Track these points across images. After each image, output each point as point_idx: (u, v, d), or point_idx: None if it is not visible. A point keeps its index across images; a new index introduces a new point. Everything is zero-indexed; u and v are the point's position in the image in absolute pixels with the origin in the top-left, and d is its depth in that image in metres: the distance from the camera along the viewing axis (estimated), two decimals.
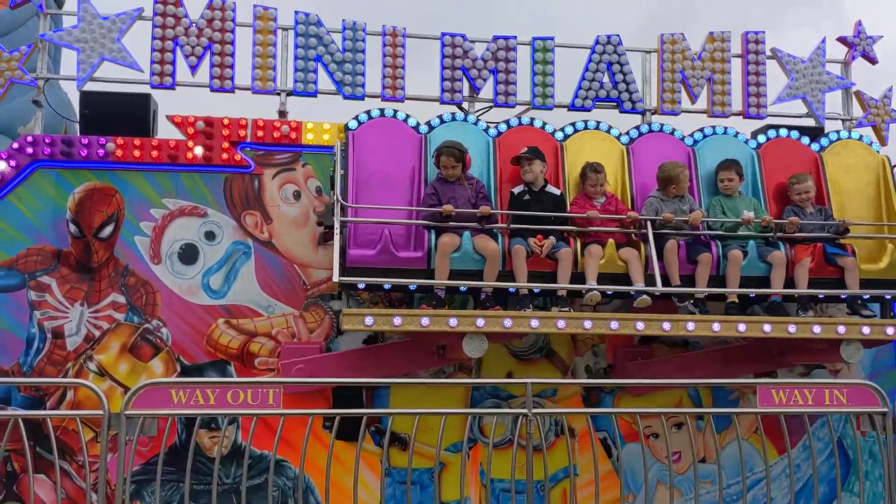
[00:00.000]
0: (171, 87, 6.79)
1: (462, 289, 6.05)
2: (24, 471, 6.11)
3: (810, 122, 7.55)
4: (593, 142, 6.59)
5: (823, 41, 7.65)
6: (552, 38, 7.26)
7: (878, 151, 6.91)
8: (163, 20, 6.73)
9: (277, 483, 6.38)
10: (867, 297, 6.36)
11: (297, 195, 6.74)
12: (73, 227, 6.47)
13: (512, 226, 6.01)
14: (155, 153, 6.56)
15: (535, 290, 6.00)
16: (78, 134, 6.75)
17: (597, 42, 7.26)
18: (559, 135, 6.58)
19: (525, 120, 6.64)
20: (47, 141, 6.47)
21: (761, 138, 6.87)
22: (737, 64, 7.49)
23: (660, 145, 6.63)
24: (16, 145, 6.47)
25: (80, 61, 6.67)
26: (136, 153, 6.53)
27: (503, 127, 6.55)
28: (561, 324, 5.80)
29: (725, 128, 6.85)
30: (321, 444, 6.05)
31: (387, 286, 5.97)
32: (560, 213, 6.11)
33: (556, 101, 7.26)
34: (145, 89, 6.80)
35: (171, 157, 6.59)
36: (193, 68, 6.79)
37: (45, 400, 6.33)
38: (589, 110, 7.24)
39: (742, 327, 5.98)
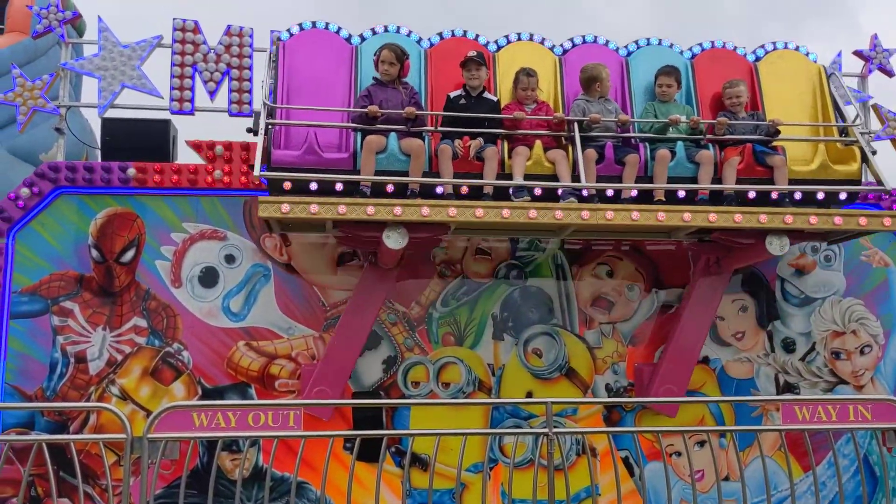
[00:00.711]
0: (191, 112, 6.87)
1: (389, 189, 5.94)
2: (47, 495, 6.15)
3: None
4: (526, 52, 6.59)
5: (839, 55, 7.62)
6: None
7: (814, 61, 6.86)
8: (182, 47, 6.83)
9: None
10: (798, 197, 6.26)
11: None
12: (94, 253, 6.54)
13: (441, 128, 6.03)
14: (175, 178, 6.63)
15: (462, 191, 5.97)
16: (99, 160, 6.84)
17: None
18: (492, 46, 6.61)
19: (458, 31, 6.63)
20: (69, 167, 6.55)
21: (696, 49, 6.85)
22: None
23: (593, 56, 6.59)
24: (38, 172, 6.56)
25: (101, 89, 6.77)
26: (157, 178, 6.61)
27: (436, 39, 6.59)
28: (479, 212, 5.70)
29: (660, 39, 6.84)
30: (341, 466, 6.08)
31: (313, 186, 5.86)
32: (491, 120, 6.10)
33: None
34: (165, 115, 6.89)
35: (191, 182, 6.66)
36: (212, 94, 6.88)
37: (68, 424, 6.37)
38: None
39: (662, 216, 5.86)
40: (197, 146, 6.74)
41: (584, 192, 5.95)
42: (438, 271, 6.81)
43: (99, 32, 6.81)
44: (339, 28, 6.50)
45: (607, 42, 6.77)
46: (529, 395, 6.74)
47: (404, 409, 6.56)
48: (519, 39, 6.67)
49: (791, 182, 6.27)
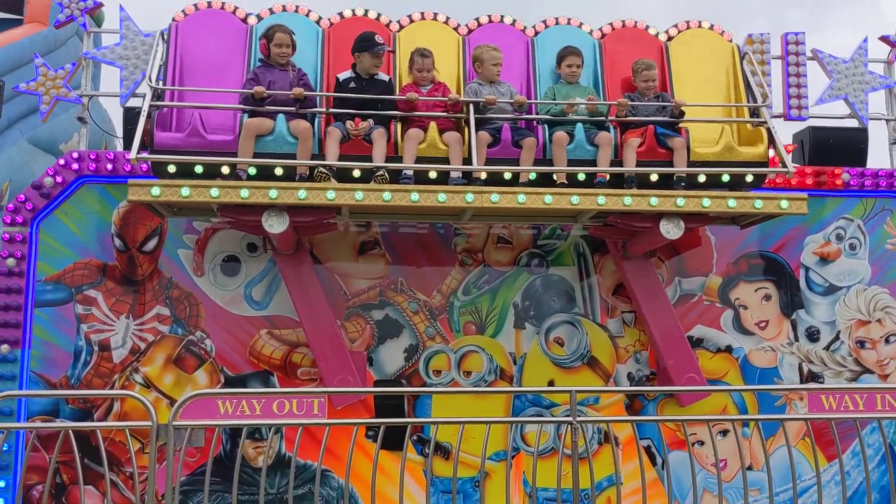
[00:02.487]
0: None
1: (277, 172, 5.81)
2: (73, 482, 6.21)
3: (853, 123, 7.44)
4: (429, 31, 6.50)
5: (865, 41, 7.53)
6: None
7: (730, 41, 6.70)
8: None
9: (322, 493, 6.39)
10: (702, 180, 6.11)
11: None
12: (117, 241, 6.56)
13: (332, 110, 5.91)
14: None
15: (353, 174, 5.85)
16: (120, 149, 6.85)
17: None
18: (395, 26, 6.53)
19: (359, 12, 6.53)
20: (92, 157, 6.58)
21: (605, 28, 6.69)
22: (777, 66, 7.39)
23: (498, 36, 6.47)
24: (62, 161, 6.58)
25: (123, 78, 6.78)
26: None
27: (336, 18, 6.50)
28: (359, 195, 5.59)
29: (569, 19, 6.69)
30: (363, 454, 6.09)
31: (198, 169, 5.76)
32: (385, 100, 5.98)
33: None
34: None
35: None
36: None
37: (92, 412, 6.42)
38: None
39: (549, 199, 5.75)
40: None
41: (475, 176, 5.83)
42: (460, 259, 6.79)
43: (121, 22, 6.81)
44: (236, 8, 6.41)
45: (514, 21, 6.63)
46: (551, 383, 6.72)
47: (426, 397, 6.56)
48: (423, 18, 6.57)
49: (694, 165, 6.10)
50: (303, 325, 6.36)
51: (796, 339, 6.97)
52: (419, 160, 5.86)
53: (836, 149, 7.31)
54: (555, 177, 6.01)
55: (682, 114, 6.20)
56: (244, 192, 5.50)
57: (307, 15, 6.48)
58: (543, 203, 5.75)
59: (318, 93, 6.06)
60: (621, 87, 6.48)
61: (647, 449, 6.62)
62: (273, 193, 5.50)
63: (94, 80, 10.26)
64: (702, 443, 6.63)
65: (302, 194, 5.53)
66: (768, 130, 6.23)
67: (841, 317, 7.03)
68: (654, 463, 6.67)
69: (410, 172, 5.82)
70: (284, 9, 6.51)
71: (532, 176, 5.98)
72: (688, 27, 6.73)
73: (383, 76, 6.11)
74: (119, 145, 7.08)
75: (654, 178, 6.07)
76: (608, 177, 6.01)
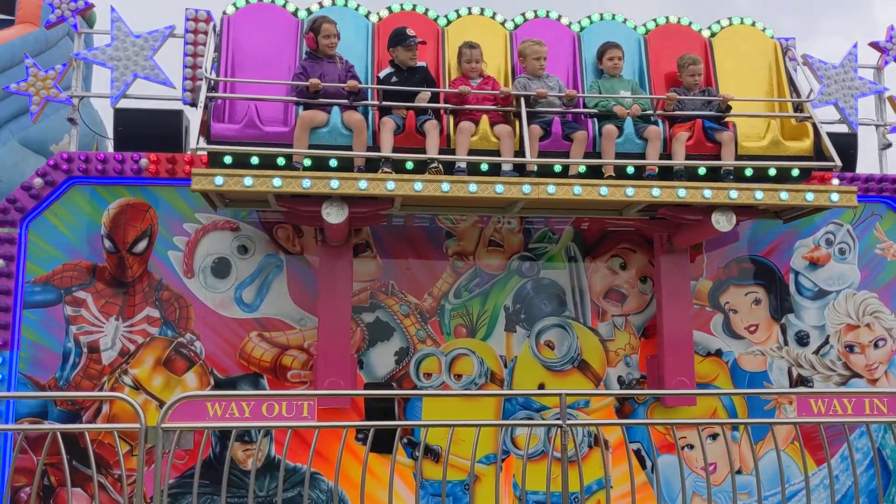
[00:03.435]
0: None
1: (332, 163, 5.90)
2: (61, 485, 6.18)
3: (843, 128, 7.47)
4: (476, 27, 6.58)
5: (855, 46, 7.57)
6: None
7: (771, 37, 6.83)
8: (194, 37, 6.81)
9: (311, 496, 6.37)
10: (749, 173, 6.24)
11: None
12: (107, 243, 6.54)
13: (383, 103, 5.98)
14: (188, 168, 6.61)
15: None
16: (111, 150, 6.83)
17: None
18: (442, 21, 6.60)
19: (408, 7, 6.60)
20: (82, 158, 6.55)
21: (650, 24, 6.82)
22: None
23: (544, 31, 6.57)
24: (51, 162, 6.55)
25: (114, 79, 6.75)
26: (169, 168, 6.59)
27: (384, 13, 6.57)
28: (418, 186, 5.65)
29: (613, 14, 6.81)
30: (353, 457, 6.08)
31: (254, 160, 5.83)
32: (429, 84, 6.10)
33: None
34: (178, 105, 6.89)
35: None
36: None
37: (81, 414, 6.38)
38: None
39: (605, 191, 5.84)
40: None
41: (528, 168, 5.93)
42: (451, 263, 6.79)
43: (111, 22, 6.79)
44: (286, 2, 6.47)
45: (559, 17, 6.74)
46: (542, 387, 6.72)
47: (416, 400, 6.56)
48: (469, 13, 6.65)
49: (741, 159, 6.23)
50: (319, 317, 6.32)
51: (786, 343, 6.99)
52: (471, 152, 5.95)
53: None
54: (603, 169, 6.08)
55: (728, 108, 6.33)
56: (306, 182, 5.56)
57: (356, 9, 6.55)
58: (599, 195, 5.84)
59: (371, 85, 6.13)
60: (666, 81, 6.62)
61: (637, 452, 6.63)
62: (335, 184, 5.56)
63: (86, 81, 10.25)
64: (691, 446, 6.64)
65: (363, 185, 5.60)
66: (813, 125, 6.36)
67: (830, 321, 7.06)
68: (643, 466, 6.68)
69: (464, 165, 5.92)
70: (334, 2, 6.56)
71: (581, 169, 6.05)
72: (730, 23, 6.87)
73: (420, 63, 6.18)
74: (110, 146, 7.05)
75: (702, 171, 6.18)
76: (657, 170, 6.13)
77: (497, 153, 6.02)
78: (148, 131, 6.72)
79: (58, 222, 6.51)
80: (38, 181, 6.48)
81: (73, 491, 6.06)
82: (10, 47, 11.82)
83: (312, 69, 5.98)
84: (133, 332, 6.49)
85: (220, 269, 6.61)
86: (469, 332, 6.75)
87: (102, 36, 7.02)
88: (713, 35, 6.81)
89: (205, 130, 5.82)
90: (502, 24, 6.67)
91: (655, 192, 5.89)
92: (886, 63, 7.63)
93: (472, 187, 5.72)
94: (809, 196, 5.98)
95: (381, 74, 6.16)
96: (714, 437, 6.60)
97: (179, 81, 6.81)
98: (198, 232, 6.62)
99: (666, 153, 6.24)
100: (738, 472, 6.65)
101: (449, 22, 6.63)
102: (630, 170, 6.13)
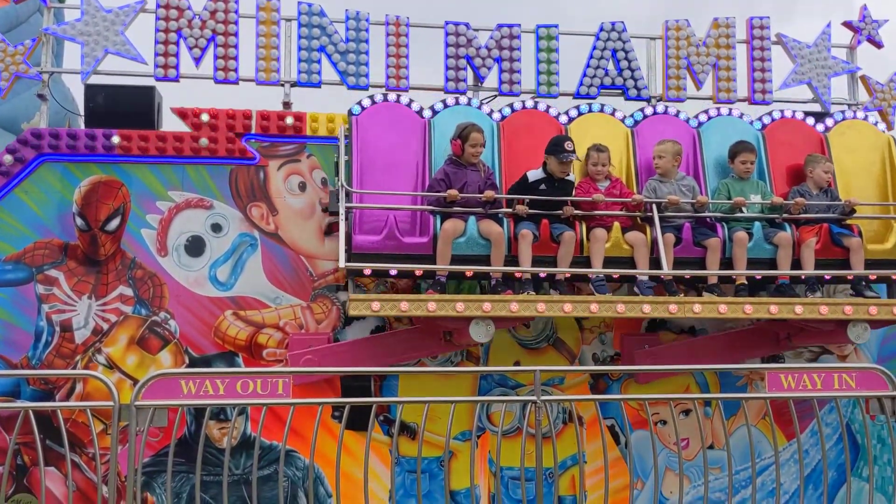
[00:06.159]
0: (176, 79, 6.79)
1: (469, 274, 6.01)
2: (34, 464, 6.14)
3: (816, 108, 7.52)
4: (597, 125, 6.60)
5: (829, 26, 7.61)
6: (556, 26, 7.23)
7: (883, 131, 6.90)
8: (166, 12, 6.72)
9: (287, 473, 6.38)
10: (873, 278, 6.35)
11: (303, 186, 6.73)
12: (79, 221, 6.47)
13: (520, 211, 6.00)
14: (160, 145, 6.55)
15: (541, 275, 6.00)
16: (82, 128, 6.75)
17: (601, 29, 7.24)
18: (563, 118, 6.59)
19: (529, 104, 6.63)
20: (52, 134, 6.46)
21: (766, 119, 6.87)
22: (742, 50, 7.46)
23: (665, 128, 6.63)
24: (21, 139, 6.46)
25: (84, 54, 6.66)
26: (142, 146, 6.53)
27: (507, 111, 6.56)
28: (567, 307, 5.79)
29: (731, 109, 6.87)
30: (330, 434, 6.08)
31: (392, 272, 5.97)
32: (571, 199, 6.11)
33: (561, 90, 7.23)
34: (149, 82, 6.80)
35: (177, 150, 6.58)
36: (197, 60, 6.79)
37: (54, 393, 6.34)
38: (594, 97, 7.23)
39: (749, 308, 5.97)
40: (182, 113, 6.66)
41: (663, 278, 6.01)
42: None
43: None
44: (411, 101, 6.46)
45: (678, 113, 6.75)
46: (517, 364, 6.75)
47: (392, 378, 6.57)
48: (590, 111, 6.66)
49: (867, 263, 6.28)
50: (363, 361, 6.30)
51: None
52: (605, 260, 6.02)
53: None
54: (735, 278, 6.18)
55: (853, 211, 6.34)
56: (459, 306, 5.65)
57: (479, 108, 6.52)
58: (743, 313, 5.94)
59: (507, 195, 6.11)
60: (787, 177, 6.63)
61: (611, 428, 6.69)
62: (487, 307, 5.67)
63: (57, 58, 10.09)
64: (664, 422, 6.72)
65: (514, 307, 5.72)
66: None
67: None
68: (617, 442, 6.75)
69: (602, 279, 5.98)
70: (458, 101, 6.53)
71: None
72: (843, 118, 6.91)
73: (571, 177, 6.17)
74: (81, 123, 6.96)
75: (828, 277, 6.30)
76: (788, 277, 6.20)
77: (628, 259, 6.04)
78: (120, 108, 6.64)
79: (28, 200, 6.43)
80: (7, 158, 6.40)
81: (47, 470, 6.04)
82: None
83: (455, 176, 5.97)
84: (106, 310, 6.45)
85: (194, 247, 6.57)
86: None
87: (73, 11, 6.90)
88: (827, 130, 6.82)
89: (348, 242, 5.83)
90: (622, 120, 6.65)
91: (798, 309, 5.99)
92: (859, 43, 7.66)
93: (620, 307, 5.83)
94: None
95: (531, 176, 6.09)
96: (687, 412, 6.67)
97: (151, 57, 6.73)
98: (171, 210, 6.57)
99: (794, 257, 6.23)
100: (710, 447, 6.74)
101: (570, 119, 6.60)
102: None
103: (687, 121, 6.76)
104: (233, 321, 6.54)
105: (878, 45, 7.68)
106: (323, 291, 6.64)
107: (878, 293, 6.40)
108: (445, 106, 6.50)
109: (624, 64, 7.24)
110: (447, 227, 5.87)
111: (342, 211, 5.83)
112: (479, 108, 6.57)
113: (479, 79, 7.13)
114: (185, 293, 6.52)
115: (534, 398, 4.95)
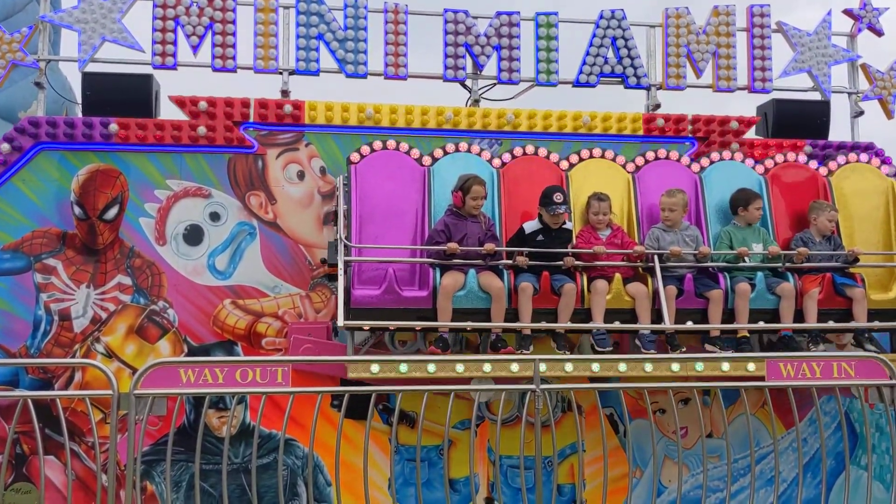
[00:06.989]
0: (173, 67, 6.76)
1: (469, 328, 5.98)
2: (33, 453, 6.15)
3: (816, 96, 7.51)
4: (598, 171, 6.55)
5: (829, 14, 7.58)
6: (556, 13, 7.20)
7: (886, 175, 6.83)
8: (163, 0, 6.69)
9: (286, 462, 6.39)
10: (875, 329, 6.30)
11: (301, 175, 6.71)
12: (77, 209, 6.45)
13: (518, 264, 5.92)
14: (158, 134, 6.53)
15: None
16: (80, 116, 6.72)
17: (601, 17, 7.20)
18: (564, 164, 6.55)
19: (530, 150, 6.55)
20: (50, 122, 6.43)
21: (768, 163, 6.79)
22: (742, 38, 7.43)
23: (666, 173, 6.57)
24: (19, 127, 6.43)
25: (81, 42, 6.63)
26: (139, 134, 6.50)
27: (507, 157, 6.51)
28: (568, 367, 5.72)
29: (732, 154, 6.79)
30: (329, 423, 6.08)
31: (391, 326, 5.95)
32: (570, 247, 6.07)
33: (561, 78, 7.21)
34: (147, 70, 6.77)
35: (174, 138, 6.56)
36: (195, 48, 6.76)
37: (52, 382, 6.34)
38: (593, 86, 7.21)
39: (751, 367, 5.84)
40: (180, 102, 6.64)
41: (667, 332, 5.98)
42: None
43: None
44: (410, 148, 6.39)
45: (679, 158, 6.68)
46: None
47: None
48: (591, 157, 6.60)
49: (869, 313, 6.21)
50: None
51: None
52: (606, 312, 5.94)
53: (798, 121, 7.38)
54: (738, 332, 6.14)
55: (856, 260, 6.28)
56: (459, 367, 5.61)
57: (479, 154, 6.45)
58: (746, 370, 5.82)
59: (507, 248, 6.04)
60: (790, 221, 6.60)
61: (610, 417, 6.69)
62: (487, 368, 5.66)
63: (54, 46, 10.06)
64: (663, 411, 6.72)
65: (514, 367, 5.69)
66: None
67: None
68: (616, 431, 6.75)
69: (604, 332, 5.92)
70: (457, 149, 6.45)
71: (690, 323, 6.06)
72: (847, 162, 6.83)
73: (568, 226, 6.12)
74: (78, 111, 6.93)
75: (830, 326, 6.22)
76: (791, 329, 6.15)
77: (629, 311, 6.00)
78: (117, 96, 6.60)
79: (26, 189, 6.41)
80: (4, 146, 6.37)
81: (46, 459, 6.02)
82: None
83: (455, 227, 5.91)
84: (105, 299, 6.44)
85: (193, 236, 6.56)
86: None
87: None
88: (830, 174, 6.75)
89: (347, 296, 5.77)
90: (623, 166, 6.58)
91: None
92: (860, 31, 7.64)
93: (622, 367, 5.75)
94: None
95: (527, 228, 6.04)
96: (686, 401, 6.67)
97: (149, 45, 6.69)
98: (169, 199, 6.55)
99: (797, 308, 6.17)
100: (709, 435, 6.76)
101: (571, 166, 6.53)
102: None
103: (688, 166, 6.69)
104: (231, 310, 6.53)
105: (879, 32, 7.66)
106: (322, 280, 6.62)
107: (882, 348, 6.33)
108: (445, 153, 6.43)
109: (624, 52, 7.21)
110: (447, 282, 5.80)
111: (341, 265, 5.77)
112: (479, 154, 6.47)
113: (478, 67, 7.11)
114: (184, 282, 6.51)
115: (533, 387, 4.95)
